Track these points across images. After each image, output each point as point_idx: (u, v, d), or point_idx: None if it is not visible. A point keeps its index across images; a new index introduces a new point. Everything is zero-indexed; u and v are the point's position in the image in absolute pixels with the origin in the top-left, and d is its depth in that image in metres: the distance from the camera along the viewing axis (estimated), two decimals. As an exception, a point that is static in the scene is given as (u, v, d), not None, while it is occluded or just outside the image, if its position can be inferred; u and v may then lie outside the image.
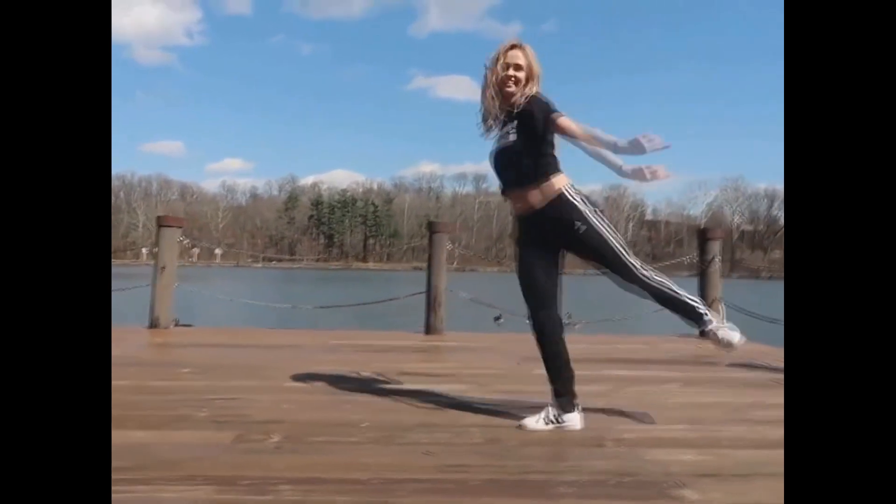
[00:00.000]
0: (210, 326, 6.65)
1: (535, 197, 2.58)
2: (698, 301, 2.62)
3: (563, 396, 2.63)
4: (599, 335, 6.56)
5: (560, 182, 2.57)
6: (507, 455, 2.23)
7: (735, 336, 2.51)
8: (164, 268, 5.87)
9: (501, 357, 4.60)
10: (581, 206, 2.56)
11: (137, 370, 3.71)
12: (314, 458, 2.14)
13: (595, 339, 6.06)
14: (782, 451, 2.33)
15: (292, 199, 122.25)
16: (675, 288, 2.60)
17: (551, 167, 2.57)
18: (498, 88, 2.59)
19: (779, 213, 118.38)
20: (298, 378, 3.51)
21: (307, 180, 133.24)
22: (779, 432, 2.59)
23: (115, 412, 2.67)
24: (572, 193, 2.57)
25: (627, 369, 4.15)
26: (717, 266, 6.03)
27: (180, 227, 6.02)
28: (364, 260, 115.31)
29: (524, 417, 2.64)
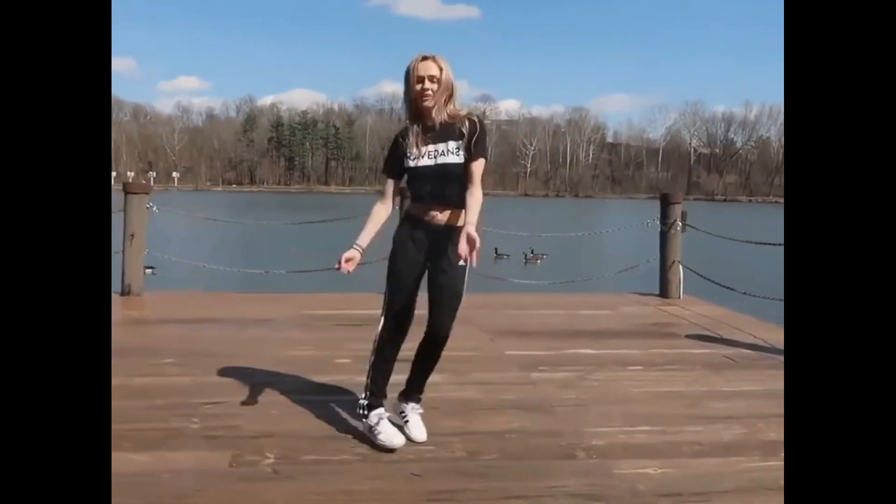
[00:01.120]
0: (180, 290, 6.65)
1: (457, 219, 2.63)
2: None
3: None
4: (564, 294, 6.81)
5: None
6: (488, 474, 2.41)
7: (420, 433, 2.73)
8: (133, 235, 5.82)
9: (472, 330, 4.78)
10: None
11: (120, 362, 3.76)
12: (309, 484, 2.29)
13: (560, 300, 6.29)
14: (736, 459, 2.58)
15: (251, 121, 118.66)
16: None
17: None
18: (415, 104, 2.60)
19: (735, 136, 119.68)
20: (279, 372, 3.63)
21: (266, 100, 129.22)
22: (731, 431, 2.85)
23: (115, 424, 2.76)
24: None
25: (591, 346, 4.37)
26: (677, 229, 6.24)
27: (147, 194, 5.92)
28: (326, 183, 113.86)
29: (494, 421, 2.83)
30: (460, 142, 2.61)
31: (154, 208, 6.02)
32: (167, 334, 4.48)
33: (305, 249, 14.22)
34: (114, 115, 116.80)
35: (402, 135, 2.71)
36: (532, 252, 17.52)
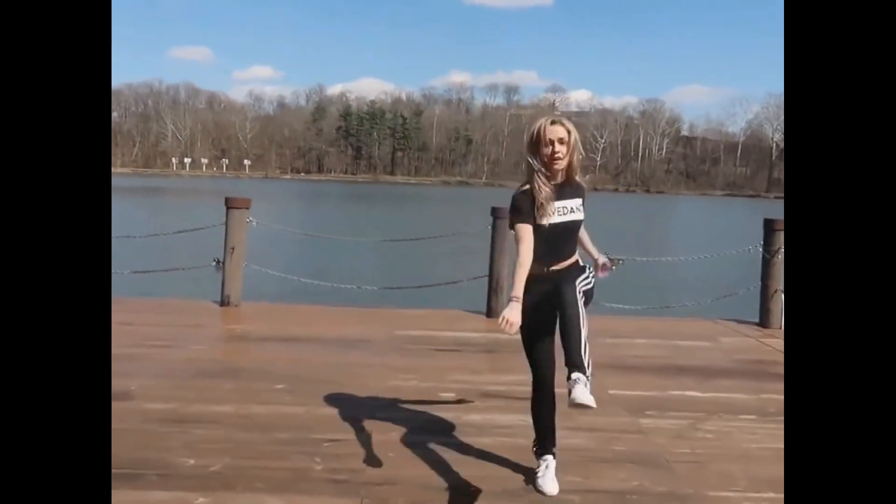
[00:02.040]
0: (275, 303, 6.86)
1: (569, 262, 2.79)
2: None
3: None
4: (659, 318, 6.66)
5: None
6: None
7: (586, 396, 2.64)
8: (233, 249, 6.03)
9: (570, 361, 4.73)
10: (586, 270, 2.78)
11: (234, 385, 3.93)
12: (441, 546, 2.33)
13: (656, 326, 6.16)
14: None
15: (320, 110, 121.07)
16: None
17: None
18: (547, 165, 2.65)
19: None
20: (387, 405, 3.69)
21: (335, 89, 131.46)
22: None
23: (243, 461, 2.89)
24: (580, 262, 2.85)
25: (698, 388, 4.26)
26: (780, 258, 6.01)
27: (247, 209, 6.13)
28: (392, 173, 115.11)
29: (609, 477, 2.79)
30: (581, 200, 2.76)
31: (254, 223, 6.22)
32: (273, 355, 4.63)
33: (394, 259, 14.46)
34: (189, 103, 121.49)
35: (532, 190, 2.68)
36: (608, 257, 17.17)
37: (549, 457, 2.81)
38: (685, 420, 3.65)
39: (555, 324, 2.75)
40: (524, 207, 2.69)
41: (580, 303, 2.67)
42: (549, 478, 2.74)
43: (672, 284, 14.71)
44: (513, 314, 2.44)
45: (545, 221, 2.66)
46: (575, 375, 2.63)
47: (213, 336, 5.28)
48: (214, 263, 8.72)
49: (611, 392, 4.10)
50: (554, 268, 2.73)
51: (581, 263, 2.83)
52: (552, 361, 2.81)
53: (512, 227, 2.73)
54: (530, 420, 3.53)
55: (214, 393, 3.78)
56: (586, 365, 2.66)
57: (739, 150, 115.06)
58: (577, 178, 2.75)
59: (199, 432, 3.20)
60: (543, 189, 2.66)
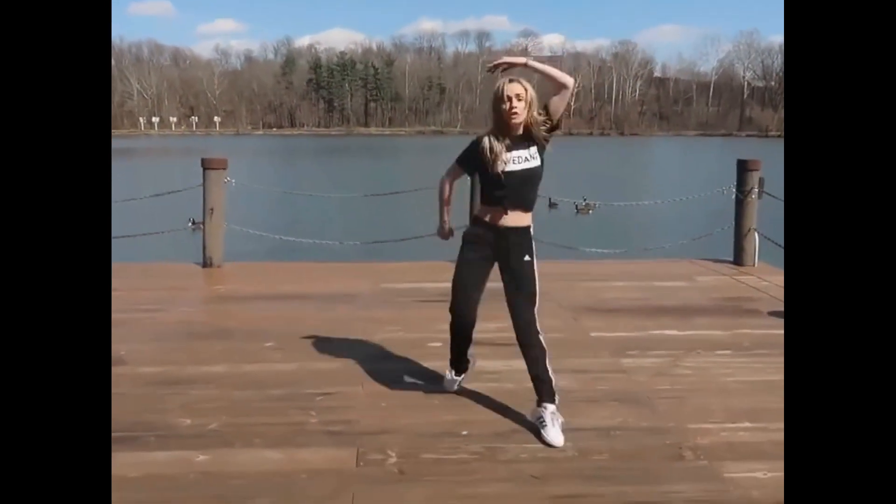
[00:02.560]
0: (257, 262, 6.87)
1: (523, 221, 2.96)
2: (554, 385, 2.93)
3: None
4: (636, 261, 6.80)
5: (531, 217, 3.00)
6: (603, 476, 2.52)
7: (558, 440, 2.77)
8: (212, 210, 6.00)
9: (553, 307, 4.85)
10: (533, 243, 2.99)
11: (225, 346, 3.98)
12: (437, 487, 2.44)
13: (633, 269, 6.29)
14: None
15: (289, 63, 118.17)
16: (548, 361, 2.95)
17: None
18: (506, 121, 2.86)
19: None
20: (376, 357, 3.78)
21: (303, 41, 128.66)
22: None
23: (239, 418, 2.97)
24: (532, 230, 3.01)
25: (676, 326, 4.40)
26: (754, 197, 6.12)
27: (224, 169, 6.07)
28: (366, 125, 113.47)
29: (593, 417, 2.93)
30: (536, 148, 2.92)
31: (232, 182, 6.17)
32: (260, 313, 4.67)
33: (375, 214, 14.41)
34: (154, 60, 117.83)
35: (485, 141, 2.91)
36: (585, 201, 17.25)
37: (453, 371, 3.24)
38: (665, 358, 3.79)
39: (486, 273, 3.05)
40: (468, 153, 3.01)
41: (535, 313, 2.96)
42: (450, 386, 3.24)
43: (648, 227, 14.93)
44: (443, 232, 3.19)
45: (500, 169, 2.87)
46: (548, 406, 2.89)
47: (199, 298, 5.30)
48: (190, 225, 8.66)
49: (592, 335, 4.23)
50: (505, 215, 2.92)
51: (532, 232, 3.00)
52: (477, 299, 3.08)
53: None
54: (517, 364, 3.66)
55: (206, 354, 3.84)
56: (552, 382, 2.94)
57: (711, 90, 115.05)
58: (536, 131, 2.89)
59: (194, 393, 3.26)
60: (497, 142, 2.88)
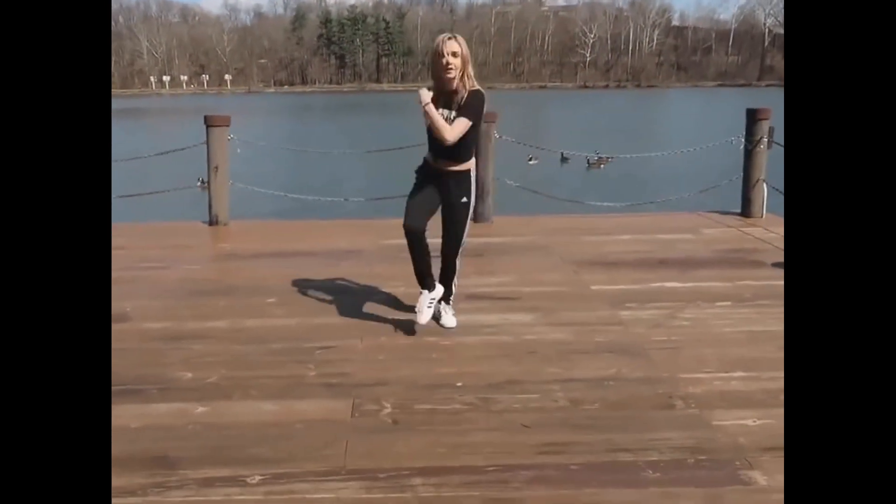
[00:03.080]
0: (263, 220, 6.90)
1: (455, 168, 3.36)
2: (453, 289, 3.61)
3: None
4: (642, 214, 6.75)
5: (471, 164, 3.38)
6: (593, 425, 2.56)
7: (449, 322, 3.54)
8: (216, 168, 6.01)
9: (555, 261, 4.85)
10: (473, 188, 3.39)
11: (228, 302, 4.04)
12: (430, 436, 2.49)
13: (639, 222, 6.25)
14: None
15: (299, 18, 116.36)
16: (456, 278, 3.62)
17: (471, 153, 3.37)
18: (441, 74, 3.15)
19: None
20: (376, 312, 3.82)
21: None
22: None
23: (238, 372, 3.03)
24: (473, 176, 3.40)
25: (677, 278, 4.39)
26: (763, 147, 6.02)
27: (227, 126, 6.05)
28: (378, 81, 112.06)
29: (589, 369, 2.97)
30: (456, 112, 3.20)
31: (234, 138, 6.16)
32: (264, 271, 4.72)
33: (381, 170, 14.37)
34: (162, 17, 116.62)
35: (419, 94, 3.20)
36: (597, 155, 17.03)
37: (424, 291, 3.44)
38: (664, 310, 3.79)
39: (435, 205, 3.42)
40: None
41: (463, 237, 3.48)
42: (422, 308, 3.41)
43: (659, 181, 14.76)
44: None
45: (426, 123, 3.21)
46: (445, 305, 3.59)
47: (205, 256, 5.36)
48: (199, 183, 8.70)
49: (593, 288, 4.24)
50: (440, 163, 3.35)
51: (472, 177, 3.37)
52: (422, 218, 3.37)
53: None
54: (514, 318, 3.70)
55: (209, 310, 3.90)
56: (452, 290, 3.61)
57: (731, 38, 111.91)
58: (471, 87, 3.18)
59: (195, 347, 3.33)
60: (434, 92, 3.21)
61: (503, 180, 6.45)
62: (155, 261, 4.95)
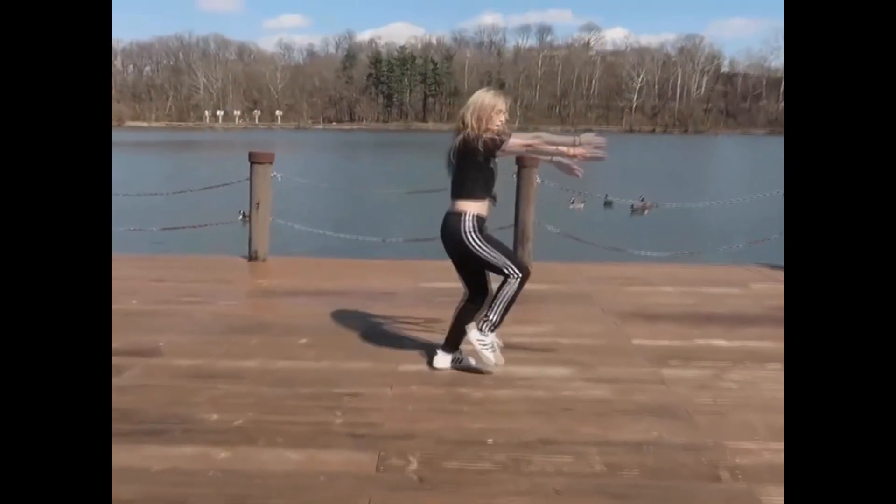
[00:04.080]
0: (302, 256, 6.93)
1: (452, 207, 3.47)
2: (491, 317, 3.42)
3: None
4: (688, 266, 6.55)
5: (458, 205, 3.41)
6: (631, 495, 2.40)
7: (490, 361, 3.40)
8: (258, 204, 6.07)
9: (596, 311, 4.70)
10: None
11: (260, 340, 4.00)
12: (456, 497, 2.36)
13: (684, 273, 6.05)
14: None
15: (350, 57, 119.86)
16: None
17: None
18: (488, 127, 3.30)
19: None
20: (409, 358, 3.73)
21: (364, 36, 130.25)
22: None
23: (265, 416, 2.96)
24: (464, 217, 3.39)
25: (724, 336, 4.19)
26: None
27: (271, 164, 6.13)
28: (424, 120, 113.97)
29: (633, 430, 2.80)
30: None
31: (278, 177, 6.24)
32: (299, 309, 4.69)
33: (420, 210, 14.49)
34: (220, 55, 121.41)
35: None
36: (642, 200, 16.78)
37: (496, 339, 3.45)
38: (709, 370, 3.60)
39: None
40: None
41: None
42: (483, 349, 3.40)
43: (707, 230, 14.41)
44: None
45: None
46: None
47: (242, 291, 5.37)
48: (241, 217, 8.82)
49: (634, 342, 4.07)
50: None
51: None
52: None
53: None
54: (550, 371, 3.56)
55: (241, 348, 3.87)
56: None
57: (783, 86, 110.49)
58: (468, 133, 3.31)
59: (224, 387, 3.28)
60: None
61: (544, 226, 6.35)
62: (192, 294, 4.98)
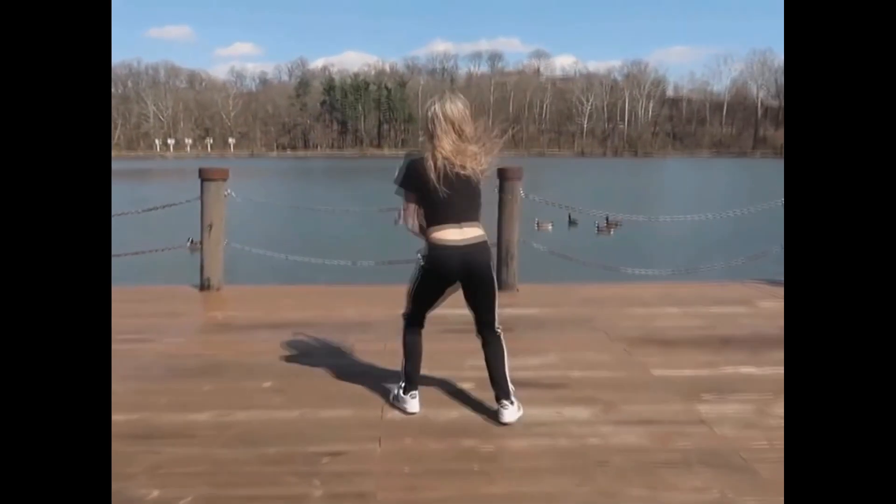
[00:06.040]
0: (261, 285, 6.24)
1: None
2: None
3: None
4: (683, 283, 6.10)
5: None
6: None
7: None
8: (210, 226, 5.38)
9: (600, 337, 4.17)
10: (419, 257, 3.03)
11: (216, 386, 3.32)
12: None
13: (682, 292, 5.58)
14: None
15: (303, 85, 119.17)
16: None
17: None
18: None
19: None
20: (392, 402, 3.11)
21: (317, 63, 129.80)
22: None
23: (221, 489, 2.30)
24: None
25: (751, 361, 3.70)
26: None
27: (224, 180, 5.46)
28: (379, 146, 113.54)
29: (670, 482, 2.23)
30: None
31: (232, 194, 5.56)
32: (260, 346, 4.01)
33: (390, 233, 13.88)
34: (170, 83, 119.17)
35: None
36: (607, 220, 16.50)
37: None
38: (750, 404, 3.08)
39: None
40: None
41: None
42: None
43: (683, 246, 14.16)
44: None
45: None
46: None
47: (192, 326, 4.66)
48: (189, 244, 8.08)
49: (654, 373, 3.53)
50: None
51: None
52: None
53: None
54: (568, 413, 3.00)
55: (190, 397, 3.18)
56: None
57: (725, 109, 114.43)
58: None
59: (168, 451, 2.60)
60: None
61: (530, 242, 5.81)
62: (132, 331, 4.24)
